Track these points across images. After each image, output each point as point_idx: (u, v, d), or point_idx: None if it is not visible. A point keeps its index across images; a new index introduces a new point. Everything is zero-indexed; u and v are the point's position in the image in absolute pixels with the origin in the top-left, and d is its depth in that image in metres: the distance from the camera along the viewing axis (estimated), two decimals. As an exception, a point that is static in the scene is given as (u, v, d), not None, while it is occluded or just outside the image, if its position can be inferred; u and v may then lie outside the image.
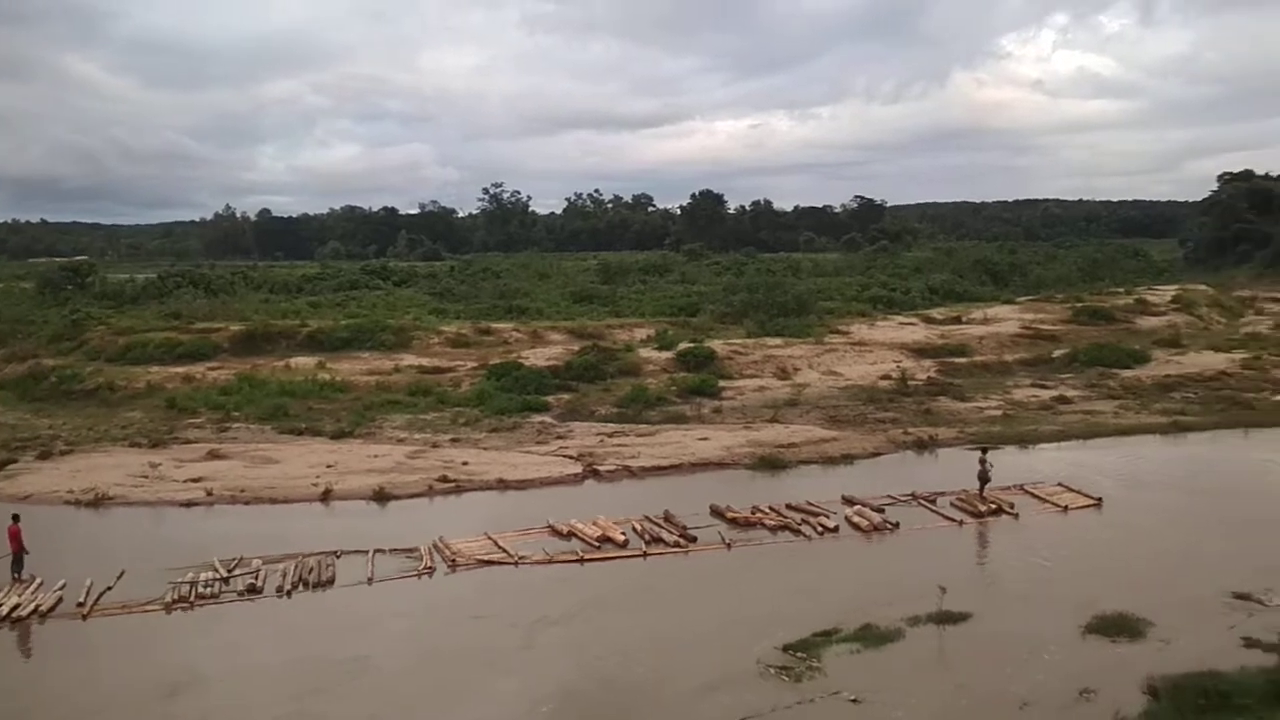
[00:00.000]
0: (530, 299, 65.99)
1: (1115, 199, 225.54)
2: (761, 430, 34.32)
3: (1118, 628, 17.27)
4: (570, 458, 30.85)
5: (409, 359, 46.43)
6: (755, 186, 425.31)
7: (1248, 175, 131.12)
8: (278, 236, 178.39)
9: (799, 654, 16.56)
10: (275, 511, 26.09)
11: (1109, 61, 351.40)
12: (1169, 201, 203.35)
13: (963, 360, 47.32)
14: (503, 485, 28.14)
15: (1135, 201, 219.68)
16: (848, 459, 31.19)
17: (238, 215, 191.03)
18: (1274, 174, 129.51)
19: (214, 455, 31.35)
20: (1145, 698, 14.45)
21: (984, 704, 14.99)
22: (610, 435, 33.91)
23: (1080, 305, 61.56)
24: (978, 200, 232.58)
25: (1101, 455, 31.06)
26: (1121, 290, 71.65)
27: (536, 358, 45.31)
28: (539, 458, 31.03)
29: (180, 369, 43.98)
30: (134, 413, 37.98)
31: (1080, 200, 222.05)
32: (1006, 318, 58.64)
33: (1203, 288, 76.26)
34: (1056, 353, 49.35)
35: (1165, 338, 53.81)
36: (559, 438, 33.74)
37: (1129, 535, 23.50)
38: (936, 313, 60.73)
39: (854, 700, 14.99)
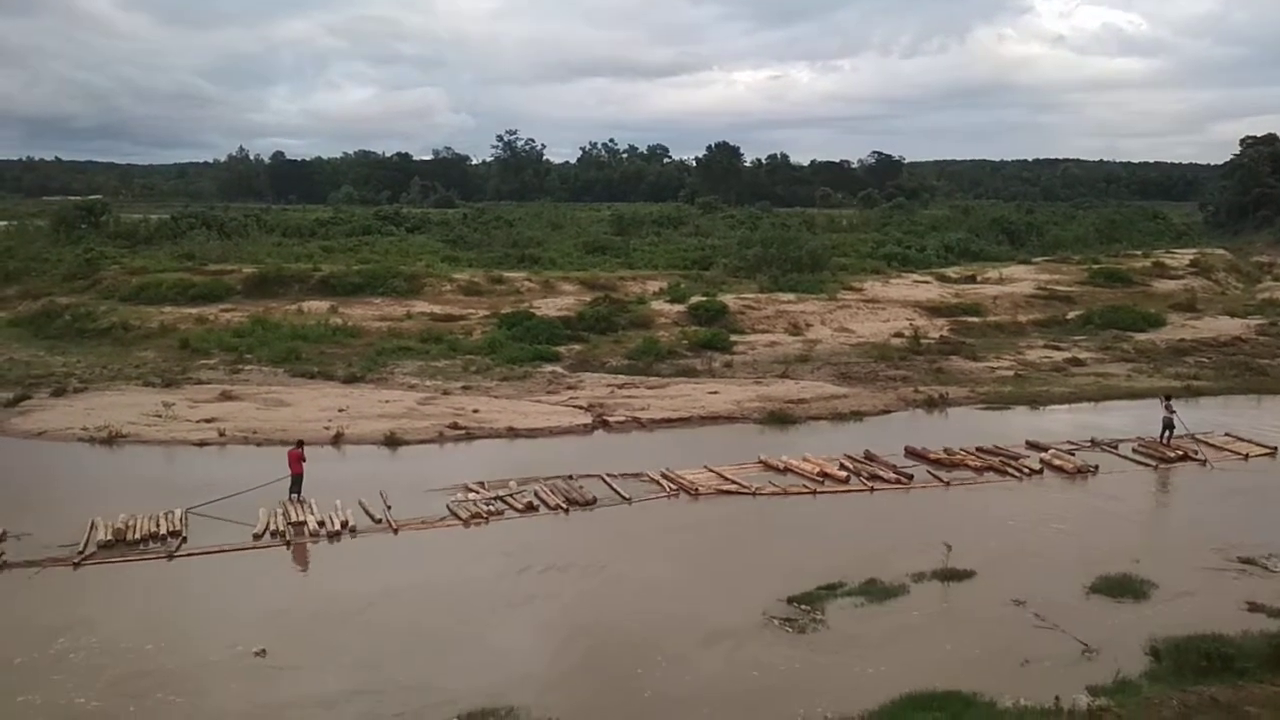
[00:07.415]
0: (543, 249, 65.64)
1: (1136, 160, 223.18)
2: (772, 386, 34.30)
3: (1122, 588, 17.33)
4: (580, 408, 30.91)
5: (421, 306, 46.43)
6: (772, 139, 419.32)
7: (1271, 139, 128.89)
8: (291, 179, 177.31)
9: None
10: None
11: (1135, 18, 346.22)
12: (1190, 164, 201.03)
13: (976, 320, 47.10)
14: (512, 433, 28.23)
15: (1156, 163, 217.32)
16: (857, 415, 31.17)
17: (251, 157, 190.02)
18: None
19: (226, 396, 31.53)
20: (1148, 659, 14.50)
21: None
22: (620, 387, 33.96)
23: (1097, 267, 61.02)
24: (996, 159, 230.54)
25: (1114, 418, 30.84)
26: (1139, 253, 71.05)
27: (548, 308, 45.26)
28: (549, 407, 31.11)
29: (193, 310, 44.16)
30: (147, 352, 38.18)
31: (1100, 161, 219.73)
32: (1022, 278, 58.22)
33: (1221, 252, 75.57)
34: (1071, 314, 49.11)
35: (1181, 302, 53.41)
36: (569, 388, 33.80)
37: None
38: (951, 271, 60.28)
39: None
